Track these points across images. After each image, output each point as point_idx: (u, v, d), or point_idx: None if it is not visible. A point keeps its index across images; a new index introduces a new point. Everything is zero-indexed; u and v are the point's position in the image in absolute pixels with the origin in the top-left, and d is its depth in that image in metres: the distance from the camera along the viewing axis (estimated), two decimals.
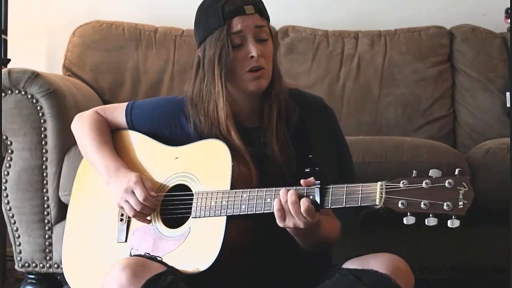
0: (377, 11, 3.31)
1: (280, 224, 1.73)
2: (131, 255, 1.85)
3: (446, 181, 1.57)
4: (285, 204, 1.72)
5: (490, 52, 3.09)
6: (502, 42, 3.10)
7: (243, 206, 1.78)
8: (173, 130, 2.00)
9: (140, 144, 2.04)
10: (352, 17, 3.30)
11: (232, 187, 1.81)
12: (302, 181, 1.73)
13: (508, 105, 2.99)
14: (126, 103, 2.09)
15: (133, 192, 1.89)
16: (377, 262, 1.73)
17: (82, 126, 2.08)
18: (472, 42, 3.11)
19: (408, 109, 3.06)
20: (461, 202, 1.56)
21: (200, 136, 1.94)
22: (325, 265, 1.88)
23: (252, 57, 1.85)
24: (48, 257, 2.55)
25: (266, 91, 1.91)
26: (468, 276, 2.54)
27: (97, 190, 2.05)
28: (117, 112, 2.08)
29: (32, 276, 2.61)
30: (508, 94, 2.99)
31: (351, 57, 3.13)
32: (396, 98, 3.07)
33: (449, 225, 1.57)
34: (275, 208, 1.72)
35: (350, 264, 1.76)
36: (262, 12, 1.89)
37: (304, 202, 1.70)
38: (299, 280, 1.88)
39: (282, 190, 1.73)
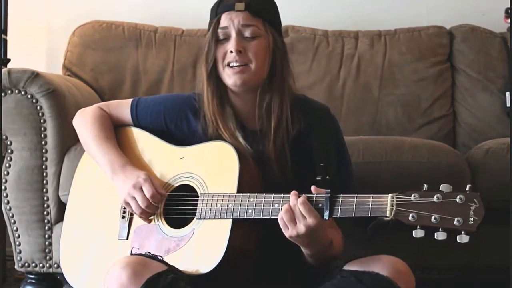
0: (377, 11, 3.31)
1: (286, 234, 1.72)
2: (131, 254, 1.84)
3: (458, 197, 1.58)
4: (285, 213, 1.71)
5: (490, 52, 3.09)
6: (502, 42, 3.10)
7: (249, 210, 1.77)
8: (179, 126, 2.00)
9: (144, 141, 2.03)
10: (352, 17, 3.30)
11: (238, 191, 1.80)
12: (312, 188, 1.73)
13: (508, 105, 2.99)
14: (130, 99, 2.09)
15: (141, 189, 1.88)
16: (378, 264, 1.73)
17: (84, 121, 2.07)
18: (472, 42, 3.11)
19: (408, 109, 3.06)
20: (472, 218, 1.56)
21: (206, 134, 1.94)
22: (325, 267, 1.88)
23: (231, 52, 1.87)
24: (48, 257, 2.55)
25: (262, 90, 1.91)
26: (468, 276, 2.53)
27: (98, 186, 2.04)
28: (122, 107, 2.08)
29: (32, 276, 2.61)
30: (508, 94, 2.98)
31: (351, 57, 3.12)
32: (396, 98, 3.06)
33: (458, 240, 1.57)
34: (279, 217, 1.72)
35: (351, 266, 1.76)
36: (255, 11, 1.89)
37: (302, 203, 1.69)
38: (300, 281, 1.87)
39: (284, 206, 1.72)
